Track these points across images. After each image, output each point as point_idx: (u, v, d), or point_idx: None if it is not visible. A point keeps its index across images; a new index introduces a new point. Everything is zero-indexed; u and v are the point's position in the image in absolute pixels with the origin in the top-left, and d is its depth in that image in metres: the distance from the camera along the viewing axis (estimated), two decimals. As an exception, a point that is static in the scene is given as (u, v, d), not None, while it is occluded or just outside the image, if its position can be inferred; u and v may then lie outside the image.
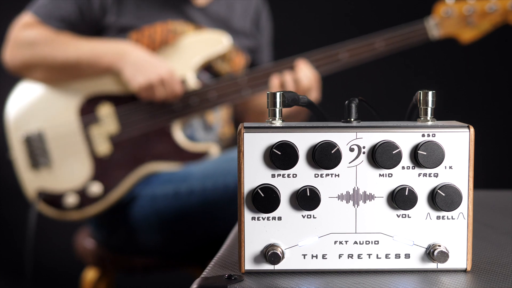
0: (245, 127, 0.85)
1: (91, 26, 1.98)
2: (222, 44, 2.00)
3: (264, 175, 0.85)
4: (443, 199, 0.85)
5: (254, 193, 0.84)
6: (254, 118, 2.21)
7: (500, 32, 2.04)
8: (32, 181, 1.95)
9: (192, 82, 1.97)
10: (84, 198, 1.93)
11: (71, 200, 1.92)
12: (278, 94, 0.87)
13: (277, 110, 0.88)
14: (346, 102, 0.90)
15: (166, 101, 1.93)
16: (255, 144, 0.85)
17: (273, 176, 0.85)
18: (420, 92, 0.88)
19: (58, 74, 1.95)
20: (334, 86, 2.33)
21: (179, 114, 1.96)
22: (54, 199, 1.93)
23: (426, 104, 0.88)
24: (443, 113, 1.05)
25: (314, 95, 1.97)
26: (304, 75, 1.93)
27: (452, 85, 3.30)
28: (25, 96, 1.99)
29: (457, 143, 0.85)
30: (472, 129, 0.86)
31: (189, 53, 1.99)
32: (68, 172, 1.94)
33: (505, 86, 3.31)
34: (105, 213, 1.96)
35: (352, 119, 0.89)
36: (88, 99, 1.97)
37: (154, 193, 1.91)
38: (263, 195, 0.84)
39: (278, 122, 0.87)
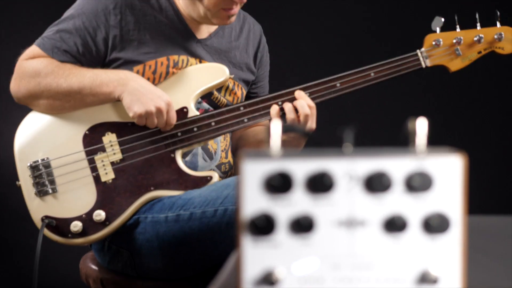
0: (244, 154, 0.88)
1: (94, 62, 2.02)
2: (224, 75, 2.04)
3: (262, 201, 0.88)
4: (435, 225, 0.87)
5: (252, 218, 0.87)
6: (252, 147, 2.25)
7: (491, 58, 2.09)
8: (37, 209, 1.98)
9: (193, 111, 2.01)
10: (89, 225, 1.96)
11: (75, 227, 1.95)
12: (277, 123, 0.90)
13: (276, 138, 0.91)
14: (340, 128, 0.93)
15: (163, 129, 1.97)
16: (254, 171, 0.87)
17: (271, 202, 0.88)
18: (412, 118, 0.91)
19: (63, 103, 1.99)
20: (329, 110, 2.36)
21: (182, 142, 1.99)
22: (59, 227, 1.96)
23: (419, 130, 0.91)
24: (436, 139, 1.08)
25: (310, 124, 2.01)
26: (302, 105, 1.98)
27: (446, 110, 3.33)
28: (32, 125, 2.03)
29: (449, 170, 0.88)
30: (464, 155, 0.88)
31: (191, 83, 2.03)
32: (73, 200, 1.97)
33: (498, 111, 3.34)
34: (108, 236, 1.99)
35: (346, 146, 0.92)
36: (92, 127, 2.00)
37: (156, 217, 1.93)
38: (261, 221, 0.87)
39: (276, 150, 0.90)
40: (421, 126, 0.91)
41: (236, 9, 2.02)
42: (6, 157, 2.22)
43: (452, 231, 0.88)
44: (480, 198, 2.59)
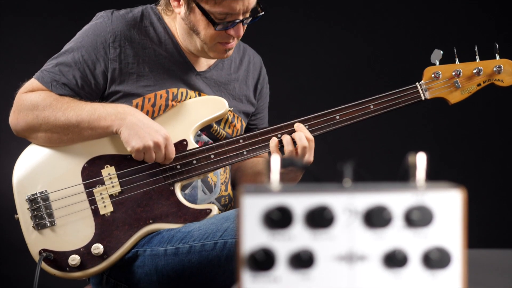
0: (244, 189, 0.88)
1: (93, 95, 2.03)
2: (223, 108, 2.05)
3: (262, 235, 0.87)
4: (435, 260, 0.87)
5: (252, 253, 0.87)
6: (250, 179, 2.25)
7: (490, 91, 2.10)
8: (35, 242, 1.97)
9: (192, 144, 2.01)
10: (87, 259, 1.95)
11: (73, 261, 1.94)
12: (276, 158, 0.91)
13: (275, 173, 0.91)
14: (340, 164, 0.93)
15: (162, 163, 1.97)
16: (254, 205, 0.87)
17: (270, 237, 0.87)
18: (412, 154, 0.91)
19: (61, 136, 1.99)
20: (328, 143, 2.37)
21: (181, 175, 1.99)
22: (57, 260, 1.95)
23: (418, 165, 0.91)
24: (435, 173, 1.08)
25: (308, 157, 2.01)
26: (300, 137, 1.99)
27: (445, 143, 3.33)
28: (31, 157, 2.03)
29: (449, 204, 0.88)
30: (463, 190, 0.88)
31: (190, 115, 2.04)
32: (71, 233, 1.97)
33: (497, 144, 3.34)
34: (106, 270, 1.98)
35: (345, 181, 0.92)
36: (91, 160, 2.00)
37: (154, 251, 1.93)
38: (261, 255, 0.87)
39: (276, 185, 0.90)
40: (420, 160, 0.91)
41: (233, 43, 2.04)
42: (5, 190, 2.22)
43: (453, 266, 0.87)
44: (480, 232, 2.58)
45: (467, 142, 3.34)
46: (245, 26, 2.01)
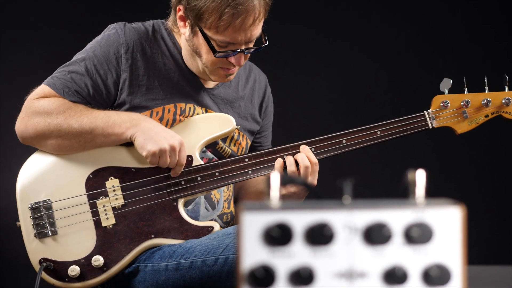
0: (245, 206, 0.88)
1: (103, 105, 2.03)
2: (230, 125, 2.05)
3: (262, 252, 0.88)
4: (435, 276, 0.87)
5: (252, 270, 0.87)
6: (253, 197, 2.25)
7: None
8: (36, 251, 1.96)
9: (198, 160, 2.01)
10: (87, 270, 1.95)
11: (73, 272, 1.94)
12: (277, 176, 0.91)
13: (276, 190, 0.91)
14: (340, 181, 0.93)
15: (173, 172, 1.97)
16: (254, 222, 0.88)
17: (270, 253, 0.88)
18: (411, 171, 0.92)
19: (72, 143, 1.98)
20: (328, 160, 2.37)
21: (185, 191, 1.99)
22: (57, 270, 1.95)
23: (418, 183, 0.91)
24: (435, 191, 1.08)
25: (311, 180, 2.02)
26: (302, 158, 2.00)
27: (444, 159, 3.33)
28: (36, 165, 2.03)
29: (449, 221, 0.88)
30: (463, 207, 0.89)
31: (197, 132, 2.04)
32: (72, 244, 1.96)
33: (496, 160, 3.34)
34: (106, 283, 1.98)
35: (345, 198, 0.92)
36: (96, 171, 2.00)
37: (155, 266, 1.93)
38: (261, 272, 0.87)
39: (276, 202, 0.91)
40: (420, 177, 0.91)
41: (235, 69, 2.05)
42: (5, 202, 2.21)
43: (453, 283, 0.88)
44: (480, 248, 2.58)
45: (467, 158, 3.34)
46: (248, 55, 2.02)
